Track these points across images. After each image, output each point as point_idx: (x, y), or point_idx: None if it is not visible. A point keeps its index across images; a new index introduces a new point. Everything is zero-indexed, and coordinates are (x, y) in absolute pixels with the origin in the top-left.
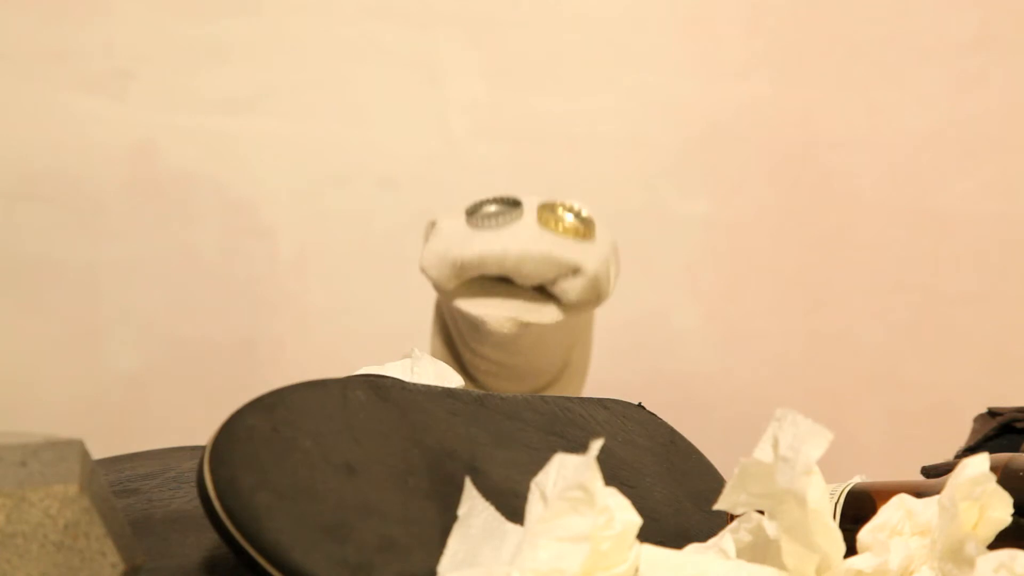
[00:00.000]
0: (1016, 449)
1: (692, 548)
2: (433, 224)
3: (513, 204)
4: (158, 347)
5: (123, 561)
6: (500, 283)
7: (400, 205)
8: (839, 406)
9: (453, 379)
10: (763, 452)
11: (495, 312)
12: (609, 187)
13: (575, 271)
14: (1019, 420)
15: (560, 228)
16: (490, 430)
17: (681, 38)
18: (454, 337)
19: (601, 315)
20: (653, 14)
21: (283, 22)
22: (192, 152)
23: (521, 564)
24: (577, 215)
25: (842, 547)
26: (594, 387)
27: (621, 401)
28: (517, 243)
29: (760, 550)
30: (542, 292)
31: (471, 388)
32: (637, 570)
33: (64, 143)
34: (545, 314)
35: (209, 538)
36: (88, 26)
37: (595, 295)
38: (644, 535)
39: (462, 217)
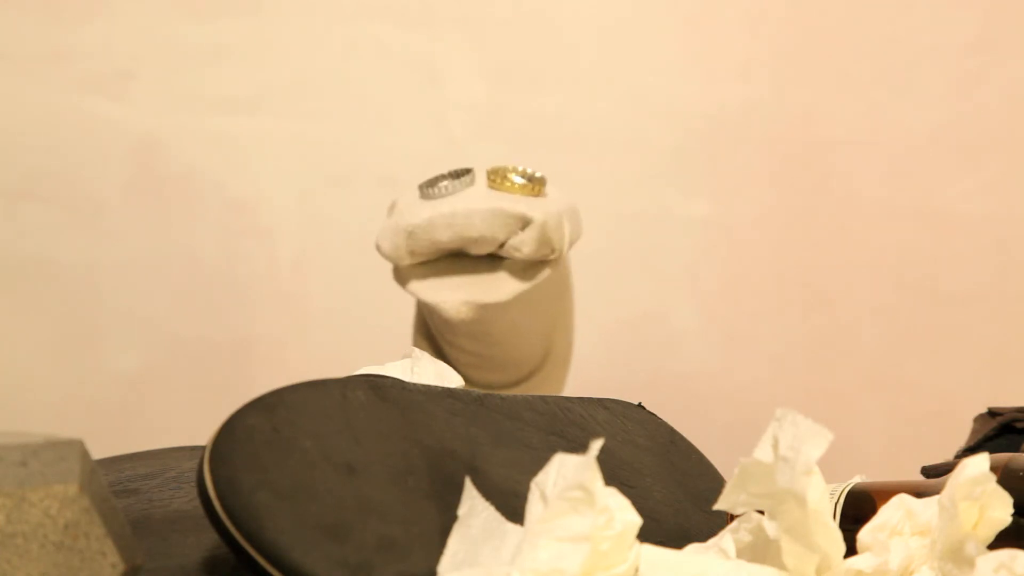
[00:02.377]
0: (1016, 449)
1: (692, 548)
2: (394, 205)
3: (464, 172)
4: (158, 347)
5: (123, 561)
6: (455, 262)
7: None
8: (839, 406)
9: (453, 379)
10: (763, 452)
11: (450, 296)
12: (609, 187)
13: (524, 223)
14: (1019, 420)
15: (509, 187)
16: (490, 430)
17: (681, 38)
18: (433, 333)
19: (601, 315)
20: (653, 14)
21: (283, 22)
22: (192, 152)
23: (521, 564)
24: (526, 175)
25: (842, 547)
26: (594, 387)
27: (621, 401)
28: (465, 203)
29: (760, 550)
30: (497, 267)
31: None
32: (637, 570)
33: (64, 143)
34: (501, 290)
35: (209, 538)
36: (88, 26)
37: (547, 246)
38: (644, 535)
39: (416, 193)
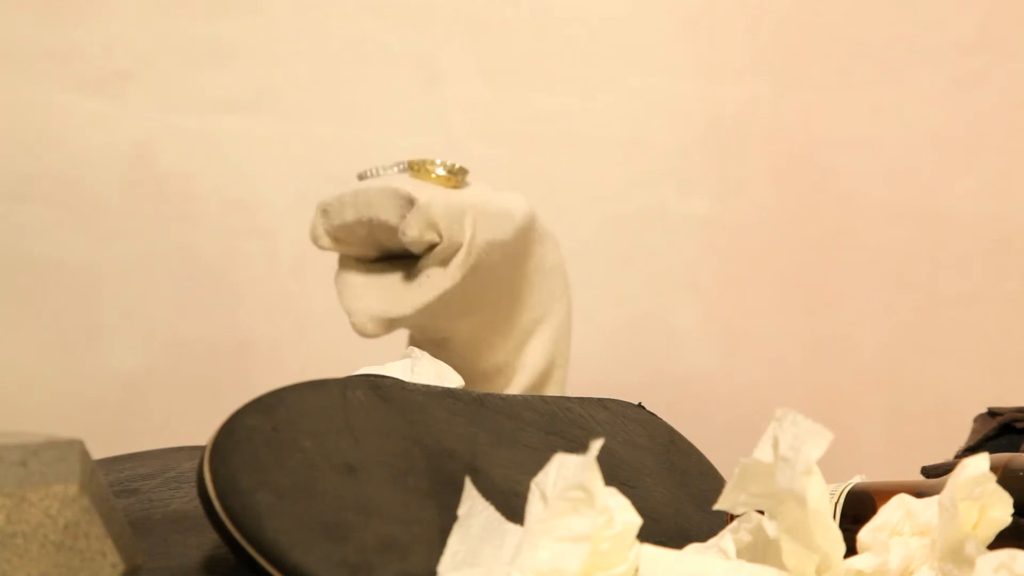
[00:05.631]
0: (1016, 449)
1: (692, 548)
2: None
3: (401, 164)
4: (158, 347)
5: (123, 561)
6: (388, 264)
7: None
8: (839, 406)
9: (453, 379)
10: (763, 452)
11: (362, 306)
12: (609, 187)
13: (410, 203)
14: (1019, 420)
15: (428, 178)
16: (490, 430)
17: (681, 38)
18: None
19: (601, 315)
20: (653, 14)
21: (283, 22)
22: (192, 152)
23: (521, 564)
24: (447, 167)
25: (842, 547)
26: (594, 387)
27: (621, 401)
28: (370, 184)
29: (760, 550)
30: (418, 272)
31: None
32: (637, 570)
33: (64, 143)
34: (406, 303)
35: (209, 538)
36: (88, 26)
37: (432, 231)
38: (644, 535)
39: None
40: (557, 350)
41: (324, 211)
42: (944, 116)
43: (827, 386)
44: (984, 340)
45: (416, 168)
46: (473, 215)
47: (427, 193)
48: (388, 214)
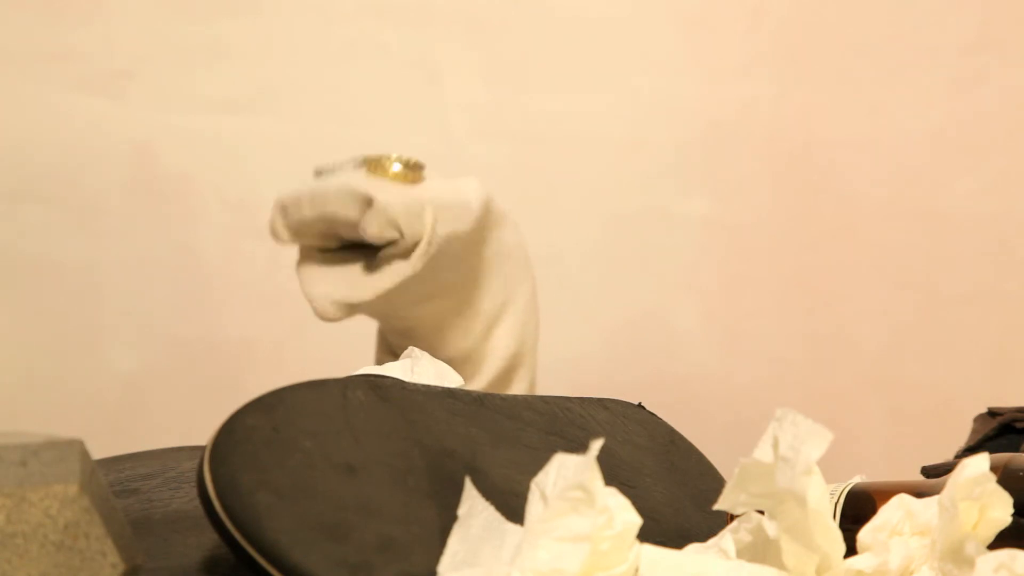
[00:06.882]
0: (1016, 449)
1: (692, 548)
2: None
3: (357, 160)
4: (158, 347)
5: (123, 561)
6: (347, 253)
7: None
8: (839, 406)
9: (453, 379)
10: (763, 452)
11: (323, 291)
12: (609, 187)
13: (369, 203)
14: (1019, 420)
15: (383, 175)
16: (490, 430)
17: (681, 38)
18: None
19: (601, 315)
20: (653, 14)
21: (283, 22)
22: (192, 152)
23: (521, 564)
24: (404, 163)
25: (842, 547)
26: (594, 387)
27: (621, 401)
28: (329, 182)
29: (760, 550)
30: (380, 260)
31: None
32: (637, 570)
33: (64, 143)
34: (376, 285)
35: (209, 538)
36: (88, 26)
37: (392, 228)
38: (644, 535)
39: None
40: (525, 332)
41: (282, 208)
42: (944, 116)
43: (827, 386)
44: (984, 340)
45: (372, 166)
46: (432, 209)
47: (385, 191)
48: (347, 212)
